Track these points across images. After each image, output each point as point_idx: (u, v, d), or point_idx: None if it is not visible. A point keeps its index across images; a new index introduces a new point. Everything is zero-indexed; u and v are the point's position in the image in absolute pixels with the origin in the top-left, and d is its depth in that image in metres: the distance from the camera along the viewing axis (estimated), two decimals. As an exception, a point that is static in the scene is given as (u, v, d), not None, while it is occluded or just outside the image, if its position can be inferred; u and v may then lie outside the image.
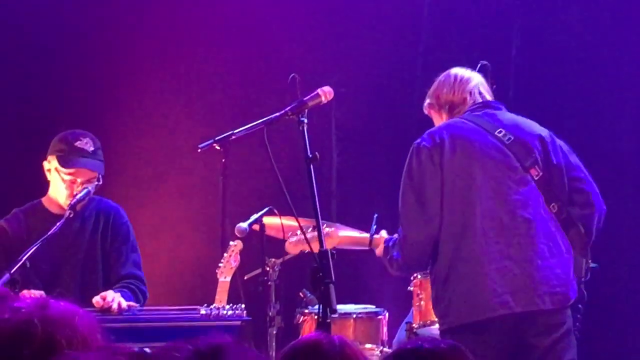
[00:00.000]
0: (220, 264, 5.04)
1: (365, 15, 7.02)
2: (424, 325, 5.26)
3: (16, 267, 4.32)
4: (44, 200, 4.92)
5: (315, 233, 4.91)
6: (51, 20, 6.76)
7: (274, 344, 5.15)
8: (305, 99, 4.14)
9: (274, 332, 5.14)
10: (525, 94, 6.58)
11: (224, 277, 5.02)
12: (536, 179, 4.47)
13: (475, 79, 4.74)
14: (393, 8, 7.02)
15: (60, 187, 4.79)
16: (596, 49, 6.81)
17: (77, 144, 4.80)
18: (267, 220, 5.10)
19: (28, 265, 4.37)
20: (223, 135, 4.86)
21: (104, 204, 4.96)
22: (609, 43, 6.80)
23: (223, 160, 4.86)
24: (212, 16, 6.98)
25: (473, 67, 5.04)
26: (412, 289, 5.38)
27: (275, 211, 5.09)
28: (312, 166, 3.87)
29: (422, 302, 5.27)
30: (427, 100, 4.81)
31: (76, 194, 4.73)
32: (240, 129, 4.80)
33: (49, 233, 4.51)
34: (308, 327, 5.43)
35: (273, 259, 5.24)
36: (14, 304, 2.14)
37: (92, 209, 4.90)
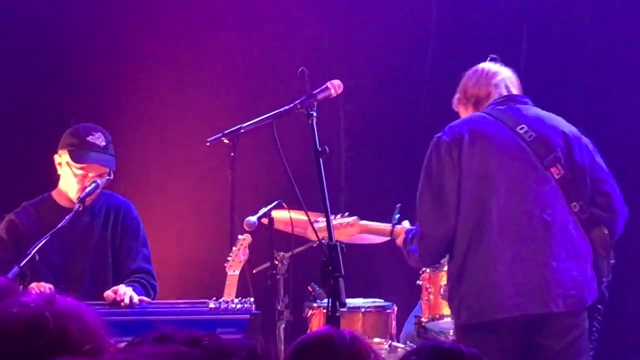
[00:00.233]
0: (229, 258, 5.04)
1: (375, 8, 7.01)
2: (433, 319, 5.25)
3: (25, 260, 4.33)
4: (53, 193, 4.93)
5: (339, 220, 4.95)
6: (61, 16, 6.78)
7: (282, 337, 5.16)
8: (314, 92, 4.12)
9: (283, 325, 5.15)
10: (535, 88, 6.56)
11: (233, 271, 5.03)
12: (557, 177, 4.38)
13: (502, 73, 4.66)
14: (402, 1, 7.01)
15: (72, 181, 4.80)
16: (607, 43, 6.78)
17: (89, 138, 4.81)
18: (275, 214, 5.11)
19: (37, 258, 4.38)
20: (232, 129, 4.86)
21: (113, 199, 4.97)
22: (620, 37, 6.77)
23: (232, 154, 4.87)
24: (221, 10, 6.98)
25: (482, 61, 5.03)
26: (421, 282, 5.38)
27: (284, 205, 5.10)
28: (321, 160, 3.85)
29: (431, 296, 5.27)
30: (456, 95, 4.74)
31: (85, 187, 4.74)
32: (249, 122, 4.79)
33: (58, 226, 4.53)
34: (316, 321, 5.43)
35: (282, 253, 5.25)
36: (22, 299, 2.15)
37: (102, 203, 4.90)
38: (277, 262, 5.19)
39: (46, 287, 4.51)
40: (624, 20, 6.78)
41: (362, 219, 5.59)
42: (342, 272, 3.60)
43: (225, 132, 4.87)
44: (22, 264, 4.30)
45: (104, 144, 4.83)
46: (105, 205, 4.91)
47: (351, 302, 5.36)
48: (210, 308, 4.39)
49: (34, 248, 4.38)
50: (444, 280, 5.25)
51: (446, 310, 5.21)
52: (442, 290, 5.24)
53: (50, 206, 4.88)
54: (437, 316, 5.23)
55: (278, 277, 5.17)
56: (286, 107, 4.15)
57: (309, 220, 4.28)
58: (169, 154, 6.85)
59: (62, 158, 4.84)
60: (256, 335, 4.42)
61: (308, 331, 5.48)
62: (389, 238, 4.94)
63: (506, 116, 4.46)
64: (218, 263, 5.15)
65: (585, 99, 6.73)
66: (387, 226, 4.92)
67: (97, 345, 2.12)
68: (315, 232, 4.20)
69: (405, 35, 6.94)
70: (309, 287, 5.54)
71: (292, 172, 3.95)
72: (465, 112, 4.67)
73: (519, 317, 4.28)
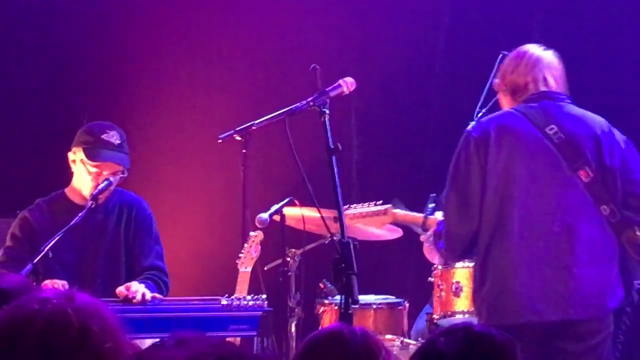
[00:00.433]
0: (240, 255, 5.05)
1: (386, 4, 7.01)
2: (445, 316, 5.25)
3: (38, 257, 4.34)
4: (67, 190, 4.94)
5: (372, 208, 4.92)
6: (75, 12, 6.79)
7: (294, 334, 5.17)
8: (327, 89, 4.08)
9: (294, 322, 5.16)
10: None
11: (245, 268, 5.04)
12: (585, 181, 4.27)
13: (544, 61, 4.47)
14: (413, -2, 7.01)
15: (86, 178, 4.80)
16: (617, 39, 6.77)
17: (104, 136, 4.81)
18: (287, 210, 5.12)
19: (50, 255, 4.38)
20: (243, 126, 4.87)
21: (126, 197, 4.98)
22: (631, 33, 6.75)
23: (243, 150, 4.88)
24: (234, 7, 6.98)
25: (493, 57, 5.02)
26: (432, 279, 5.38)
27: (296, 202, 5.10)
28: (334, 158, 3.84)
29: (443, 293, 5.26)
30: (495, 79, 4.59)
31: (97, 185, 4.75)
32: (261, 119, 4.80)
33: (70, 223, 4.53)
34: (328, 318, 5.44)
35: (293, 250, 5.26)
36: (40, 295, 2.15)
37: (115, 201, 4.91)
38: (288, 259, 5.20)
39: (60, 284, 4.53)
40: (636, 14, 6.76)
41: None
42: (355, 269, 3.59)
43: (237, 129, 4.88)
44: (35, 261, 4.31)
45: (118, 142, 4.84)
46: (119, 202, 4.92)
47: (363, 298, 5.36)
48: (223, 305, 4.39)
49: (47, 245, 4.39)
50: (455, 277, 5.25)
51: (458, 307, 5.21)
52: (453, 287, 5.24)
53: (63, 203, 4.89)
54: (449, 313, 5.22)
55: (290, 273, 5.19)
56: (299, 105, 4.12)
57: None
58: (181, 151, 6.86)
59: (76, 156, 4.85)
60: (268, 332, 4.44)
61: (319, 328, 5.49)
62: (420, 227, 4.86)
63: (537, 115, 4.34)
64: (230, 260, 5.16)
65: (599, 93, 6.71)
66: (419, 216, 4.86)
67: (116, 343, 2.12)
68: (326, 225, 4.14)
69: (416, 32, 6.94)
70: (321, 284, 5.55)
71: (304, 168, 3.94)
72: (503, 100, 4.54)
73: (537, 323, 4.20)
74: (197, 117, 6.83)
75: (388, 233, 5.57)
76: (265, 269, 5.34)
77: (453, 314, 5.22)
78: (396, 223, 5.07)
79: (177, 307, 4.50)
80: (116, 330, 2.17)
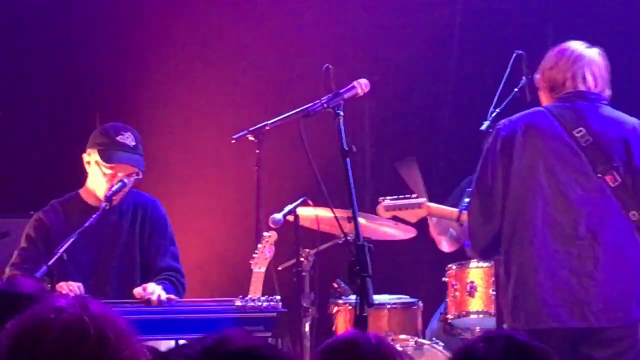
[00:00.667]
0: (254, 255, 5.04)
1: (399, 4, 6.99)
2: (459, 316, 5.25)
3: (53, 259, 4.34)
4: (81, 192, 4.94)
5: (408, 201, 4.92)
6: (89, 12, 6.80)
7: (308, 334, 5.17)
8: (341, 91, 4.06)
9: (308, 322, 5.15)
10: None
11: (259, 268, 5.03)
12: (612, 185, 4.17)
13: (585, 58, 4.36)
14: (427, -4, 6.98)
15: (101, 180, 4.81)
16: (631, 40, 6.73)
17: (119, 138, 4.81)
18: (301, 211, 5.11)
19: (65, 257, 4.38)
20: (257, 126, 4.87)
21: (141, 197, 4.98)
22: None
23: (257, 151, 4.87)
24: (247, 6, 6.97)
25: (507, 57, 5.00)
26: (446, 279, 5.37)
27: (310, 202, 5.10)
28: (348, 160, 3.82)
29: (457, 293, 5.25)
30: (536, 74, 4.49)
31: (111, 186, 4.75)
32: (275, 119, 4.80)
33: (85, 225, 4.52)
34: (342, 318, 5.43)
35: (307, 250, 5.25)
36: (54, 304, 2.14)
37: (129, 202, 4.91)
38: (302, 259, 5.19)
39: (74, 286, 4.53)
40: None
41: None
42: (370, 272, 3.58)
43: (251, 129, 4.88)
44: (49, 264, 4.31)
45: (133, 144, 4.83)
46: (133, 203, 4.92)
47: (377, 298, 5.30)
48: (237, 306, 4.40)
49: (61, 247, 4.39)
50: (470, 277, 5.25)
51: (472, 307, 5.21)
52: (468, 287, 5.23)
53: (78, 205, 4.89)
54: (464, 313, 5.22)
55: (303, 274, 5.18)
56: (313, 106, 4.09)
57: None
58: (195, 151, 6.86)
59: (91, 157, 4.85)
60: (283, 332, 4.43)
61: (333, 327, 5.48)
62: (455, 221, 4.80)
63: (567, 116, 4.25)
64: (243, 260, 5.15)
65: (615, 92, 6.68)
66: (454, 211, 4.82)
67: (133, 351, 2.12)
68: (340, 226, 4.13)
69: (431, 32, 6.91)
70: (334, 284, 5.54)
71: (317, 169, 3.93)
72: (542, 95, 4.44)
73: (559, 329, 4.13)
74: (211, 118, 6.82)
75: (402, 233, 5.56)
76: (279, 269, 5.33)
77: (467, 314, 5.21)
78: (431, 215, 5.01)
79: (191, 308, 4.51)
80: (132, 337, 2.17)
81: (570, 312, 4.11)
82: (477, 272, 5.25)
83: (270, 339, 4.53)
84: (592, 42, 4.34)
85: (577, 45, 4.41)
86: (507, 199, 4.24)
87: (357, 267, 3.56)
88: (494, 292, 4.96)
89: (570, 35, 6.25)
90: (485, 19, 6.87)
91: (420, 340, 5.35)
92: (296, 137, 3.98)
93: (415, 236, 5.57)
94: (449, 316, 5.29)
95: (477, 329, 5.25)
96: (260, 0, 7.00)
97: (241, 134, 4.92)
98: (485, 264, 5.21)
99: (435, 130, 6.91)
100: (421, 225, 5.53)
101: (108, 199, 4.69)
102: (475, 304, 5.22)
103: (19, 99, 6.79)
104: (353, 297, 4.68)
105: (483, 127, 4.83)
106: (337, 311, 5.47)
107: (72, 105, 6.77)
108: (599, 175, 4.18)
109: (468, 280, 5.23)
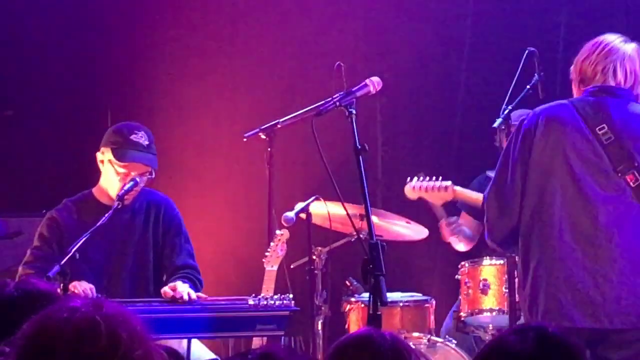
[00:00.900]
0: (267, 253, 5.05)
1: (411, 2, 6.98)
2: (472, 314, 5.24)
3: (66, 258, 4.34)
4: (94, 190, 4.94)
5: (435, 184, 5.06)
6: (103, 10, 6.81)
7: (320, 332, 5.17)
8: (354, 89, 4.02)
9: (321, 320, 5.16)
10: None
11: (271, 266, 5.04)
12: (633, 185, 4.04)
13: (619, 52, 4.18)
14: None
15: (114, 179, 4.81)
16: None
17: (132, 137, 4.81)
18: (313, 209, 5.11)
19: (77, 256, 4.39)
20: (269, 124, 4.87)
21: (154, 196, 4.98)
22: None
23: (269, 149, 4.88)
24: (258, 6, 6.98)
25: (520, 55, 4.97)
26: (459, 277, 5.36)
27: (322, 200, 5.09)
28: (361, 158, 3.81)
29: (470, 291, 5.25)
30: (572, 66, 4.33)
31: (124, 185, 4.75)
32: (286, 117, 4.80)
33: (97, 224, 4.53)
34: (355, 316, 5.43)
35: (319, 248, 5.25)
36: (68, 304, 2.14)
37: (142, 201, 4.91)
38: (314, 257, 5.20)
39: (87, 286, 4.53)
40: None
41: (398, 212, 5.60)
42: (383, 270, 3.56)
43: (262, 127, 4.89)
44: (62, 262, 4.31)
45: (147, 143, 4.83)
46: (146, 202, 4.92)
47: (389, 296, 5.26)
48: (250, 305, 4.40)
49: (74, 246, 4.39)
50: (483, 275, 5.24)
51: (485, 304, 5.20)
52: (481, 285, 5.22)
53: (90, 203, 4.90)
54: (477, 310, 5.21)
55: (316, 272, 5.18)
56: (325, 104, 4.04)
57: (347, 213, 4.23)
58: (206, 149, 6.87)
59: (104, 156, 4.85)
60: (295, 331, 4.43)
61: (346, 326, 5.48)
62: (480, 208, 4.64)
63: (590, 111, 4.13)
64: (256, 259, 5.16)
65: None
66: (479, 196, 4.75)
67: (146, 350, 2.12)
68: (353, 223, 4.09)
69: (443, 29, 6.90)
70: (347, 282, 5.54)
71: (329, 166, 3.92)
72: (574, 88, 4.30)
73: (572, 329, 3.99)
74: (223, 116, 6.83)
75: (414, 233, 5.56)
76: (292, 267, 5.34)
77: (480, 311, 5.21)
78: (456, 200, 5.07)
79: (204, 307, 4.50)
80: (145, 336, 2.17)
81: (584, 313, 4.03)
82: (490, 269, 5.24)
83: (282, 337, 4.54)
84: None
85: (612, 38, 4.25)
86: (525, 195, 4.15)
87: (371, 266, 3.55)
88: (507, 290, 4.94)
89: (583, 32, 6.24)
90: (497, 16, 6.86)
91: (433, 338, 5.34)
92: (308, 136, 3.97)
93: (428, 234, 5.57)
94: (462, 314, 5.28)
95: (490, 326, 5.24)
96: (270, -1, 7.01)
97: (253, 132, 4.92)
98: (498, 262, 5.20)
99: (447, 129, 6.90)
100: (434, 225, 5.53)
101: (120, 197, 4.70)
102: (488, 301, 5.21)
103: (32, 98, 6.82)
104: (365, 295, 4.68)
105: (495, 124, 4.80)
106: (350, 309, 5.47)
107: (84, 104, 6.79)
108: (619, 174, 4.07)
109: (481, 278, 5.23)
